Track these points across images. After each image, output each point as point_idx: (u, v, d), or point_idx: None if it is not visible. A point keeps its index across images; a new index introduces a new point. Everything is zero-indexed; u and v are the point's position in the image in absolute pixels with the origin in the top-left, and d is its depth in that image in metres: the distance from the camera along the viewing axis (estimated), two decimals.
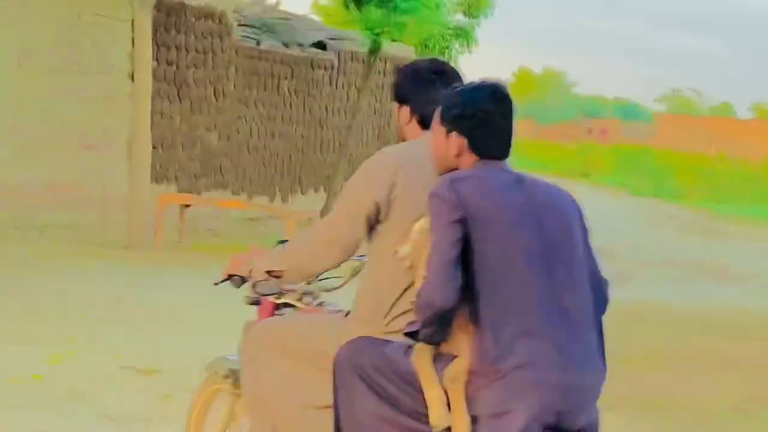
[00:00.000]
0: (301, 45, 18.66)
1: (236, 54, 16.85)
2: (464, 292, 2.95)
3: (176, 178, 15.86)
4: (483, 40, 27.98)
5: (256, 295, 3.67)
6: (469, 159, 3.15)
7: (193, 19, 15.88)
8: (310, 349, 3.38)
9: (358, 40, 19.54)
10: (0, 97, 12.92)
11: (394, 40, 19.14)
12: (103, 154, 14.12)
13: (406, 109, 3.45)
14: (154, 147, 14.48)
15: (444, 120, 3.17)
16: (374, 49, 17.86)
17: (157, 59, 14.82)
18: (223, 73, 16.61)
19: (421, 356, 3.02)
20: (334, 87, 19.43)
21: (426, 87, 3.38)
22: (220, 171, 16.79)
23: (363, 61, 19.41)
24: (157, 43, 14.79)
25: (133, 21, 14.59)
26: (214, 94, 16.49)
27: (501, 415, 2.91)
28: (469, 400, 2.94)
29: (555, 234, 3.05)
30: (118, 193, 14.19)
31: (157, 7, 14.32)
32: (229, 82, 16.79)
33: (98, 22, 14.15)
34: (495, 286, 2.95)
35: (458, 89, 3.22)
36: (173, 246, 13.13)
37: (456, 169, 3.14)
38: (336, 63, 19.35)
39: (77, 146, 13.84)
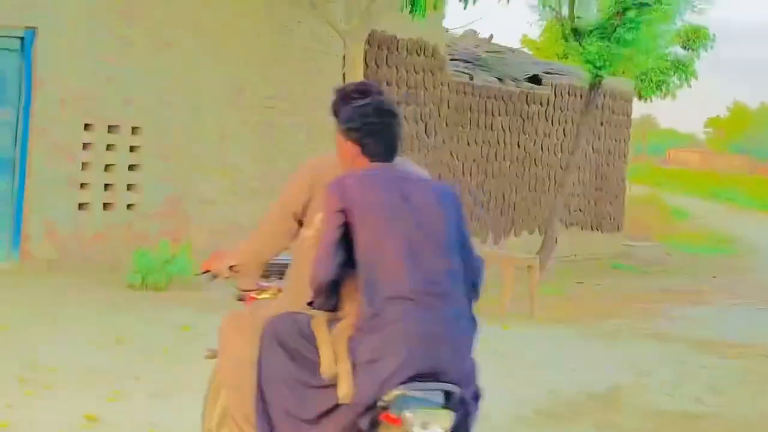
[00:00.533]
0: (515, 79, 17.82)
1: (448, 89, 16.17)
2: (351, 267, 3.63)
3: None
4: (702, 73, 26.34)
5: (241, 292, 4.41)
6: (362, 162, 3.85)
7: (405, 53, 15.30)
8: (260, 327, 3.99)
9: (574, 74, 18.56)
10: (212, 133, 12.61)
11: (613, 74, 18.05)
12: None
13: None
14: None
15: (342, 131, 3.90)
16: (595, 83, 16.85)
17: None
18: (434, 110, 15.95)
19: (317, 321, 3.73)
20: (550, 123, 18.47)
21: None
22: None
23: (580, 96, 18.42)
24: (368, 78, 14.27)
25: (344, 56, 14.17)
26: (425, 131, 15.84)
27: (375, 361, 3.52)
28: (351, 351, 3.58)
29: (424, 223, 3.66)
30: None
31: (369, 41, 13.82)
32: (441, 119, 16.12)
33: (309, 58, 13.73)
34: (371, 262, 3.61)
35: (353, 105, 3.89)
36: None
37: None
38: (552, 98, 18.41)
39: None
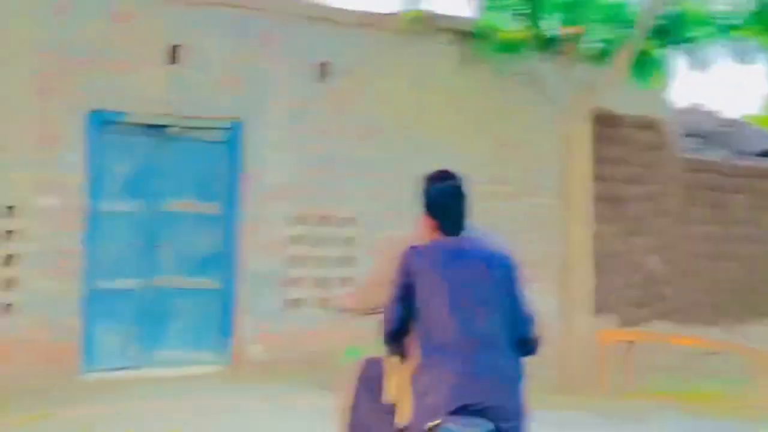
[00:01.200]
0: (746, 154, 16.39)
1: (677, 167, 14.93)
2: (412, 322, 4.37)
3: (614, 309, 14.06)
4: None
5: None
6: (437, 234, 4.52)
7: (631, 130, 14.20)
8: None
9: None
10: None
11: None
12: (534, 284, 12.59)
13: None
14: None
15: (423, 209, 4.58)
16: None
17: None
18: (663, 189, 14.72)
19: (391, 359, 4.53)
20: None
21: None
22: (662, 298, 14.78)
23: None
24: (595, 156, 13.22)
25: (567, 135, 13.20)
26: (654, 213, 14.61)
27: (426, 395, 4.26)
28: (412, 384, 4.32)
29: (470, 284, 4.35)
30: (548, 328, 12.65)
31: (591, 119, 12.80)
32: (671, 198, 14.86)
33: (528, 139, 12.83)
34: (426, 318, 4.33)
35: (433, 188, 4.55)
36: (617, 389, 11.26)
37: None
38: None
39: None
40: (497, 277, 4.39)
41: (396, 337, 4.40)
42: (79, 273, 9.50)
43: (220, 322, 10.43)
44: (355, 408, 4.69)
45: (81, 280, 9.52)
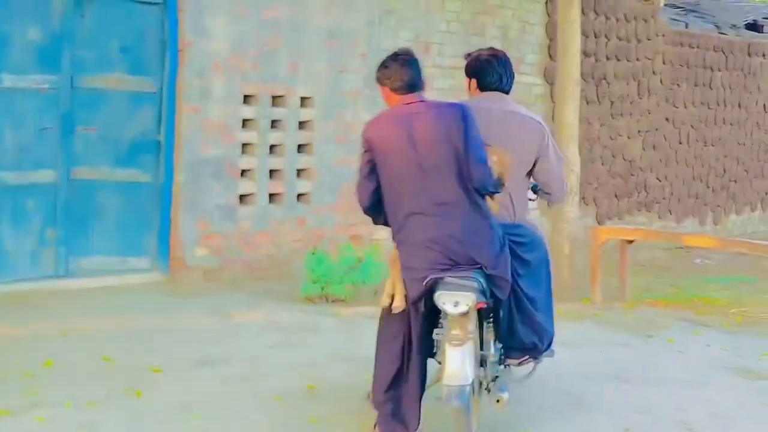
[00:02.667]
0: (733, 27, 14.86)
1: (663, 40, 13.34)
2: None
3: (594, 200, 12.59)
4: None
5: None
6: (395, 100, 4.87)
7: None
8: None
9: None
10: None
11: None
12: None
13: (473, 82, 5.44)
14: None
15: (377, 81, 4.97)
16: None
17: None
18: (648, 65, 13.15)
19: (391, 256, 4.96)
20: None
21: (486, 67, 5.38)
22: (645, 188, 13.34)
23: None
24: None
25: (546, 2, 11.51)
26: (638, 92, 13.06)
27: (409, 267, 4.75)
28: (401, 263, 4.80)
29: (425, 149, 4.68)
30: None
31: None
32: (655, 77, 13.31)
33: (504, 4, 11.10)
34: (389, 188, 4.76)
35: (385, 60, 4.96)
36: (613, 295, 9.84)
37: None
38: None
39: None
40: (444, 129, 4.71)
41: (373, 209, 4.87)
42: None
43: (154, 221, 8.67)
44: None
45: None
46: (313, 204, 9.55)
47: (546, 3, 11.49)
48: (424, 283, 4.67)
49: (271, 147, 9.27)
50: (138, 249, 8.62)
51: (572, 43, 9.80)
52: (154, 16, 8.57)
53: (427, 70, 10.40)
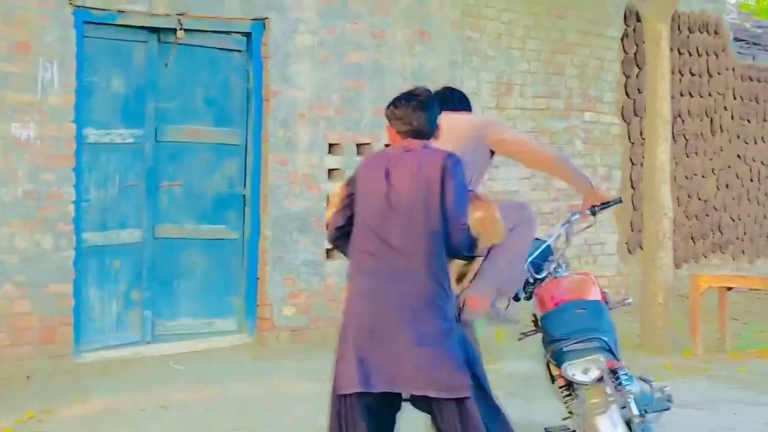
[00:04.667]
0: None
1: (733, 75, 12.92)
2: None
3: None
4: None
5: None
6: (396, 139, 4.68)
7: (688, 32, 12.11)
8: None
9: None
10: None
11: None
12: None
13: None
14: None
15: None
16: None
17: (636, 87, 11.22)
18: (720, 101, 12.71)
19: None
20: None
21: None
22: (719, 228, 12.86)
23: None
24: (638, 65, 11.18)
25: (622, 39, 11.11)
26: (711, 129, 12.61)
27: (349, 308, 4.50)
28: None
29: (398, 200, 4.44)
30: (608, 266, 10.78)
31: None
32: (727, 112, 12.87)
33: (582, 42, 10.68)
34: (356, 231, 4.53)
35: (395, 100, 4.73)
36: (714, 345, 9.35)
37: None
38: None
39: (559, 205, 10.42)
40: (428, 189, 4.44)
41: (337, 241, 4.67)
42: (68, 224, 7.17)
43: (241, 280, 8.20)
44: None
45: (70, 233, 7.19)
46: None
47: (622, 39, 11.08)
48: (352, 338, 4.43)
49: None
50: (224, 310, 8.15)
51: (662, 80, 9.38)
52: (238, 65, 8.15)
53: (509, 112, 10.13)
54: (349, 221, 4.53)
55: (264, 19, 8.13)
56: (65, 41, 7.10)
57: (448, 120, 4.84)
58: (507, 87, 9.90)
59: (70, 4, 7.12)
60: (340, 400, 4.41)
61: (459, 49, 9.41)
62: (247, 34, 8.13)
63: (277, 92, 8.20)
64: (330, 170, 8.61)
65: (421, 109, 4.56)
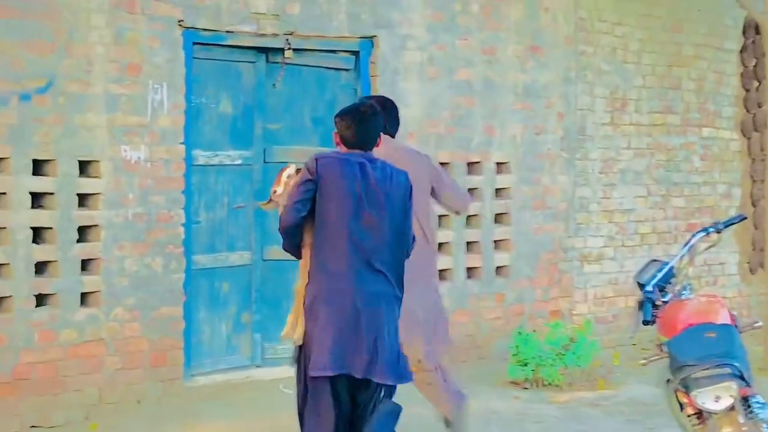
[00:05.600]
0: None
1: None
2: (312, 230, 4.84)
3: None
4: None
5: None
6: (342, 147, 5.02)
7: None
8: None
9: None
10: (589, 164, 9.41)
11: None
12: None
13: None
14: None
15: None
16: None
17: (756, 102, 10.77)
18: None
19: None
20: None
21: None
22: None
23: None
24: (757, 79, 10.73)
25: (741, 51, 10.70)
26: None
27: (313, 313, 4.79)
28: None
29: (368, 202, 4.81)
30: (729, 287, 10.36)
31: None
32: None
33: (699, 54, 10.31)
34: (321, 227, 4.81)
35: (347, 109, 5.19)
36: None
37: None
38: None
39: (677, 224, 10.05)
40: (398, 197, 4.90)
41: (292, 234, 4.83)
42: (178, 246, 7.13)
43: None
44: None
45: (180, 255, 7.15)
46: (511, 277, 8.85)
47: (741, 52, 10.67)
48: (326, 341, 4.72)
49: (467, 218, 8.62)
50: None
51: None
52: (346, 83, 8.04)
53: (624, 128, 9.82)
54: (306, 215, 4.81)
55: (372, 37, 8.01)
56: (174, 62, 7.08)
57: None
58: (622, 102, 9.60)
59: (180, 25, 7.10)
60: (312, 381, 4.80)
61: (572, 65, 9.16)
62: (355, 53, 8.02)
63: None
64: None
65: (366, 121, 5.02)
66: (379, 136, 5.04)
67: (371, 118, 5.00)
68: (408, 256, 4.96)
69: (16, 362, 6.45)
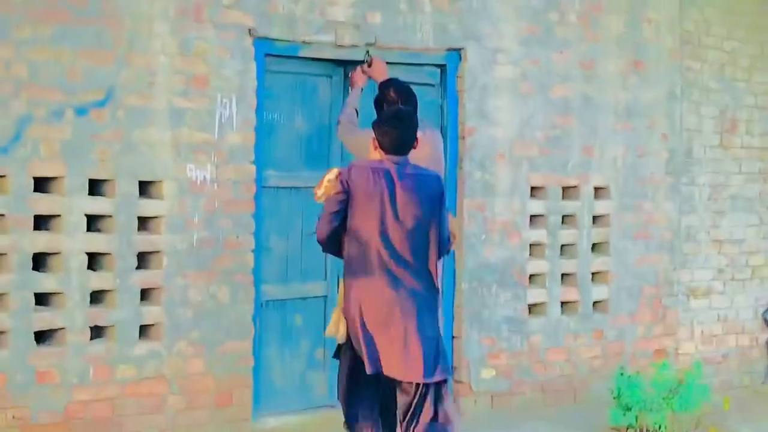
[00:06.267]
0: None
1: None
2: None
3: None
4: None
5: None
6: (380, 152, 5.34)
7: None
8: None
9: None
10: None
11: None
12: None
13: None
14: None
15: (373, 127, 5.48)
16: None
17: None
18: None
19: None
20: None
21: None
22: None
23: None
24: None
25: None
26: None
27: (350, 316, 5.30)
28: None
29: (397, 208, 5.18)
30: None
31: None
32: None
33: None
34: (352, 238, 5.22)
35: (385, 111, 5.82)
36: None
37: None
38: None
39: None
40: (429, 201, 5.28)
41: (328, 244, 5.33)
42: (247, 275, 6.56)
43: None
44: None
45: (249, 285, 6.58)
46: (610, 313, 8.12)
47: None
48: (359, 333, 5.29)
49: (562, 247, 7.92)
50: None
51: None
52: (431, 99, 7.41)
53: (734, 151, 9.06)
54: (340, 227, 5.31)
55: (460, 49, 7.40)
56: (245, 75, 6.53)
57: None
58: (732, 123, 8.83)
59: (251, 35, 6.56)
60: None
61: (677, 81, 8.42)
62: (441, 66, 7.41)
63: (473, 129, 7.43)
64: (532, 216, 7.76)
65: (408, 127, 5.33)
66: (416, 139, 5.35)
67: (408, 125, 5.32)
68: (447, 254, 5.49)
69: (68, 400, 5.95)
